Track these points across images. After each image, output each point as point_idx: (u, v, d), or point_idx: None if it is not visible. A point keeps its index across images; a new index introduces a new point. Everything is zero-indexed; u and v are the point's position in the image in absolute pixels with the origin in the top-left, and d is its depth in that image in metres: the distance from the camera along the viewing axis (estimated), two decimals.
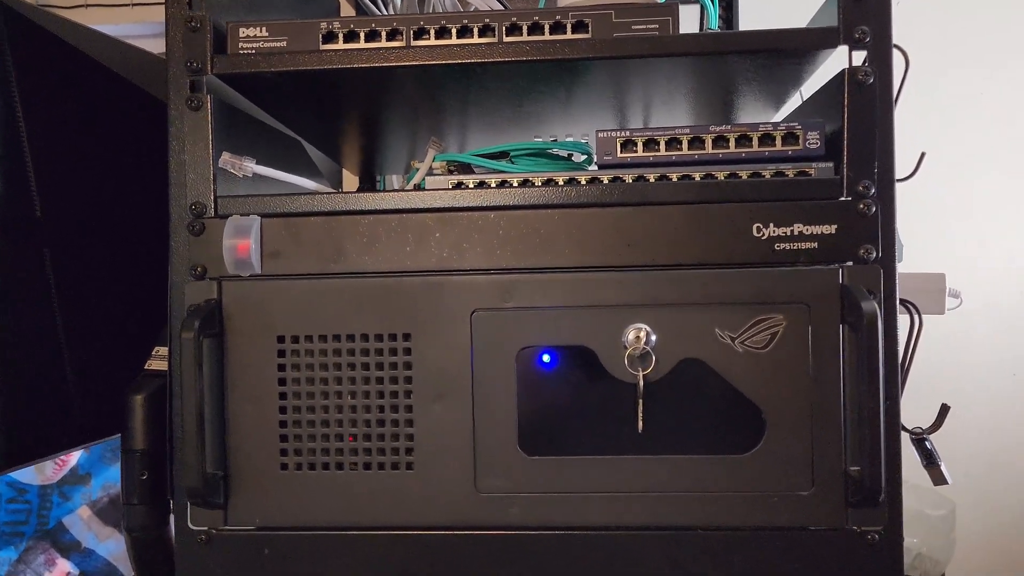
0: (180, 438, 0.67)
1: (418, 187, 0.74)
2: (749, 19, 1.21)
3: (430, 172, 0.75)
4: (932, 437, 0.74)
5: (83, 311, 0.84)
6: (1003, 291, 1.37)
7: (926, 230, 1.31)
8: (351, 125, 0.93)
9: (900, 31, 0.68)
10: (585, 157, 0.80)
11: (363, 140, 1.01)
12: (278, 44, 0.71)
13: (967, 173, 1.37)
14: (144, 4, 1.44)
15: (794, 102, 0.86)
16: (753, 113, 0.89)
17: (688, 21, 1.11)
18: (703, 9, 0.92)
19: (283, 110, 0.85)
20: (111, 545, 1.32)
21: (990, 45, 1.37)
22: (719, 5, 1.21)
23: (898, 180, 0.67)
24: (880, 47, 0.66)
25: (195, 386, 0.65)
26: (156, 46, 1.53)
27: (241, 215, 0.69)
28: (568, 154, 0.78)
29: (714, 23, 0.92)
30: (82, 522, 1.26)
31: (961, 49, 1.37)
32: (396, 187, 1.15)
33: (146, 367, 0.80)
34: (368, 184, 1.21)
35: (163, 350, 0.81)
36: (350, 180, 1.24)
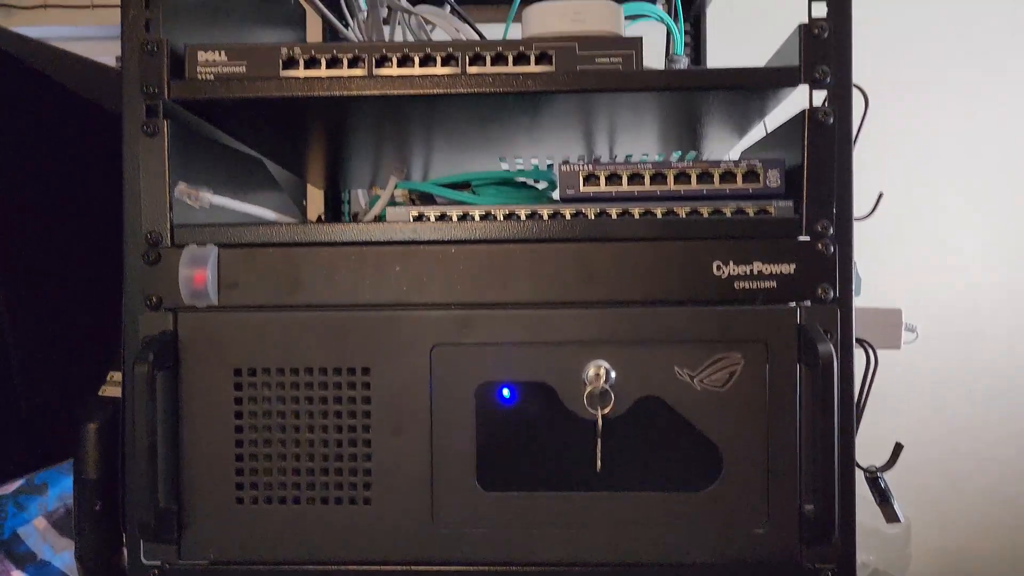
0: (132, 474, 0.66)
1: (379, 218, 0.73)
2: (715, 34, 1.20)
3: (392, 200, 0.74)
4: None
5: (35, 332, 0.82)
6: (955, 306, 1.39)
7: (877, 249, 1.32)
8: (313, 147, 0.92)
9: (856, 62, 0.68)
10: (548, 184, 0.80)
11: (326, 159, 1.00)
12: (237, 69, 0.70)
13: (921, 195, 1.38)
14: (104, 6, 1.41)
15: (760, 127, 0.86)
16: (718, 139, 0.90)
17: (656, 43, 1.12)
18: (669, 33, 0.93)
19: (243, 132, 0.84)
20: (67, 557, 1.29)
21: (948, 76, 1.39)
22: (685, 21, 1.20)
23: (856, 219, 0.68)
24: (840, 87, 0.66)
25: (148, 422, 0.64)
26: (117, 48, 1.51)
27: (198, 244, 0.68)
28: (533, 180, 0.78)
29: (680, 49, 0.92)
30: (38, 533, 1.24)
31: (918, 78, 1.39)
32: (361, 201, 1.14)
33: (100, 392, 0.78)
34: (332, 197, 1.20)
35: (117, 375, 0.79)
36: (315, 193, 1.23)
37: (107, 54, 1.55)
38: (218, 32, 0.84)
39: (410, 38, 0.98)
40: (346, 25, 1.12)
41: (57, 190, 0.86)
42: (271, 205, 0.87)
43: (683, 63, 0.92)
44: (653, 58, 1.09)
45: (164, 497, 0.66)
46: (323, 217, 1.03)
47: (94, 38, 1.50)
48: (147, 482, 0.64)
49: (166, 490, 0.67)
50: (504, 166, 0.99)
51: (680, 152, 0.94)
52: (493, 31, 1.01)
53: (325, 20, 1.12)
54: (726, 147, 0.93)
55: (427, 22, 0.91)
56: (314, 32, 1.22)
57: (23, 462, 0.82)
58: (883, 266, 1.31)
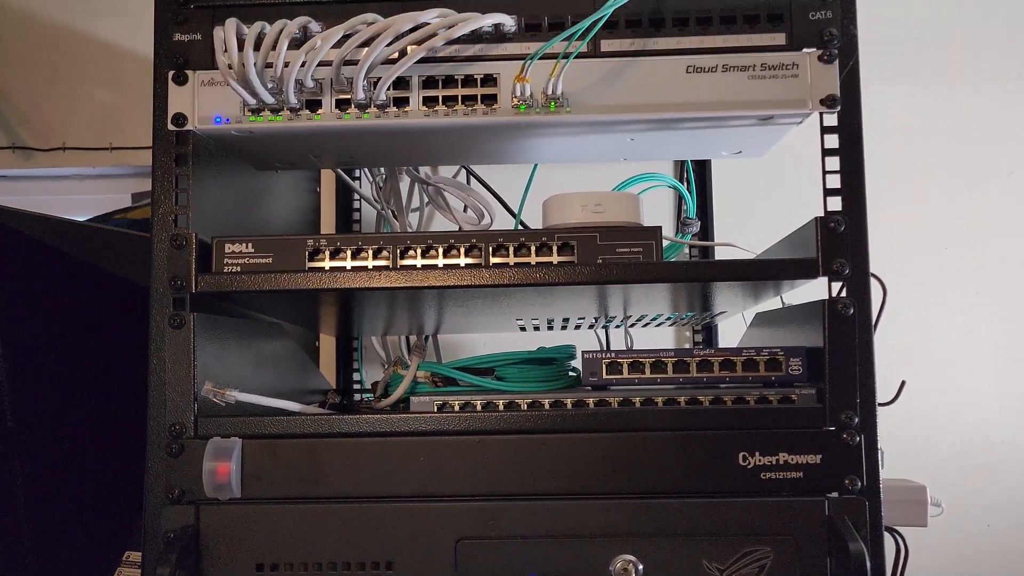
0: None
1: (400, 402, 0.73)
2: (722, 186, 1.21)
3: (414, 383, 0.74)
4: None
5: (52, 517, 0.81)
6: (974, 448, 1.37)
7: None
8: (330, 317, 0.93)
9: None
10: (569, 356, 0.80)
11: (340, 323, 1.01)
12: (263, 261, 0.71)
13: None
14: (121, 148, 1.44)
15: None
16: (731, 306, 0.91)
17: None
18: (682, 198, 0.95)
19: (264, 310, 0.85)
20: None
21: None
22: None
23: (880, 404, 0.68)
24: (859, 278, 0.68)
25: None
26: (137, 185, 1.54)
27: (222, 436, 0.68)
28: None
29: (692, 212, 0.94)
30: None
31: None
32: (376, 346, 1.14)
33: (116, 575, 0.77)
34: (344, 343, 1.21)
35: (135, 555, 0.78)
36: (327, 337, 1.23)
37: (123, 191, 1.58)
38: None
39: (426, 200, 1.01)
40: (359, 184, 1.15)
41: (80, 364, 0.86)
42: (288, 361, 0.87)
43: (695, 227, 0.94)
44: (665, 219, 1.12)
45: None
46: (337, 398, 1.02)
47: (111, 176, 1.54)
48: None
49: None
50: (519, 323, 0.99)
51: (692, 313, 0.95)
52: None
53: (340, 179, 1.15)
54: (739, 309, 0.95)
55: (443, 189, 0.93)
56: (328, 180, 1.25)
57: None
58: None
